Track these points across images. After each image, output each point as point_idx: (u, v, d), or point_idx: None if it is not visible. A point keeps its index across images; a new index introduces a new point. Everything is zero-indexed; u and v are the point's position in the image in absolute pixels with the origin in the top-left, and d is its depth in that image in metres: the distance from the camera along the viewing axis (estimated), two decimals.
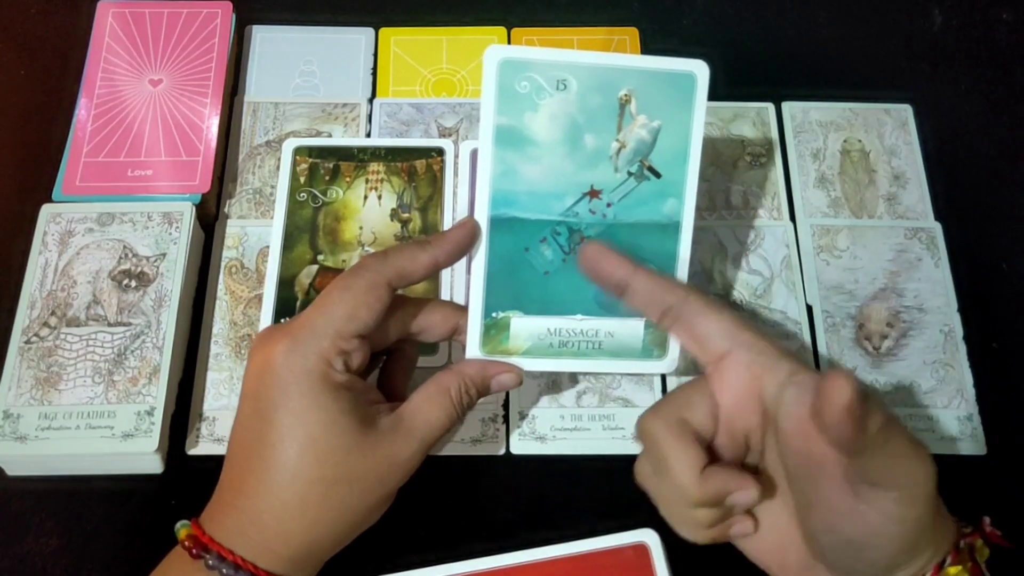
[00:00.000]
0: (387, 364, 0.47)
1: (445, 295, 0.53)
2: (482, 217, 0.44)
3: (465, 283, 0.53)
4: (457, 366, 0.44)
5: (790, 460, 0.39)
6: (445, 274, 0.54)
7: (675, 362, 0.46)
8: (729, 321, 0.40)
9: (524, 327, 0.45)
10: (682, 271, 0.45)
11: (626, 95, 0.43)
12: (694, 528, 0.41)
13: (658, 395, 0.52)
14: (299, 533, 0.39)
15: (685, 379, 0.52)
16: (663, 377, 0.53)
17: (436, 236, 0.43)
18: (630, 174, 0.44)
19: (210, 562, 0.38)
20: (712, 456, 0.40)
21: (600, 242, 0.43)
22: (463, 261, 0.44)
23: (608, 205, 0.44)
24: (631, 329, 0.46)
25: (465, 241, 0.44)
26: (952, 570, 0.37)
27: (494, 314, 0.45)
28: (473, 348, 0.45)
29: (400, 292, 0.43)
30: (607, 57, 0.43)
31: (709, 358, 0.41)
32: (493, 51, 0.43)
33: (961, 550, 0.37)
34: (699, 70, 0.44)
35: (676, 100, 0.44)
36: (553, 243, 0.45)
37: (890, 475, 0.35)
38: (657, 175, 0.44)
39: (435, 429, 0.42)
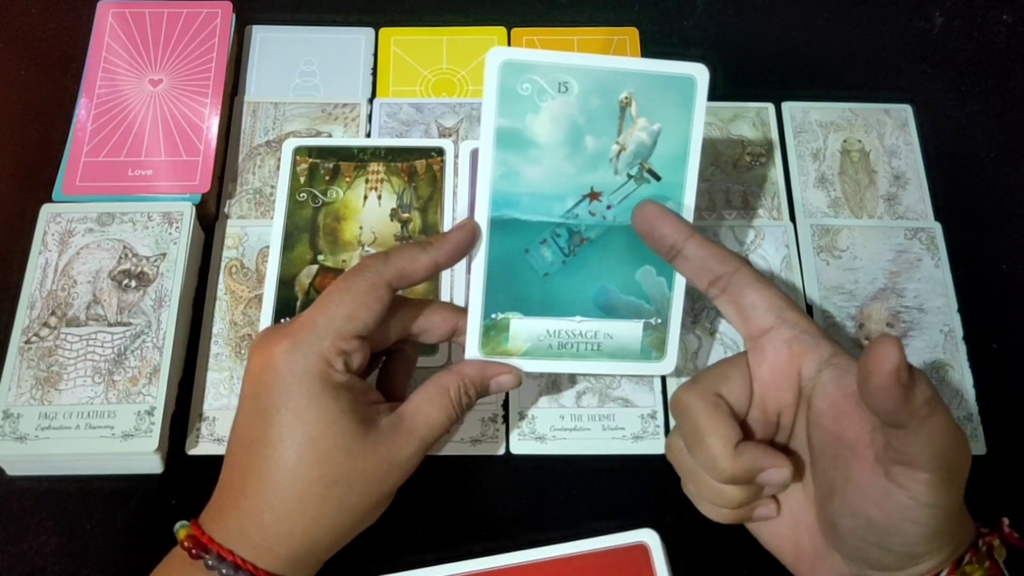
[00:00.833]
0: (387, 364, 0.47)
1: (444, 296, 0.53)
2: (482, 218, 0.44)
3: (465, 284, 0.53)
4: (456, 367, 0.44)
5: (820, 441, 0.39)
6: (445, 275, 0.54)
7: (673, 364, 0.46)
8: (777, 297, 0.41)
9: (523, 328, 0.45)
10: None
11: (626, 98, 0.43)
12: (719, 506, 0.41)
13: (658, 396, 0.52)
14: (299, 532, 0.39)
15: (685, 380, 0.52)
16: (663, 378, 0.53)
17: (436, 237, 0.43)
18: (630, 176, 0.44)
19: (210, 562, 0.38)
20: (745, 434, 0.40)
21: (658, 203, 0.43)
22: (463, 262, 0.45)
23: (608, 207, 0.44)
24: (630, 331, 0.46)
25: (465, 242, 0.44)
26: (970, 568, 0.37)
27: (493, 315, 0.45)
28: (472, 349, 0.45)
29: (400, 293, 0.43)
30: (608, 60, 0.43)
31: (752, 331, 0.41)
32: (495, 53, 0.43)
33: (980, 549, 0.37)
34: (699, 73, 0.44)
35: (676, 103, 0.44)
36: (553, 245, 0.45)
37: (928, 454, 0.34)
38: (657, 178, 0.44)
39: (434, 429, 0.42)
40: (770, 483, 0.39)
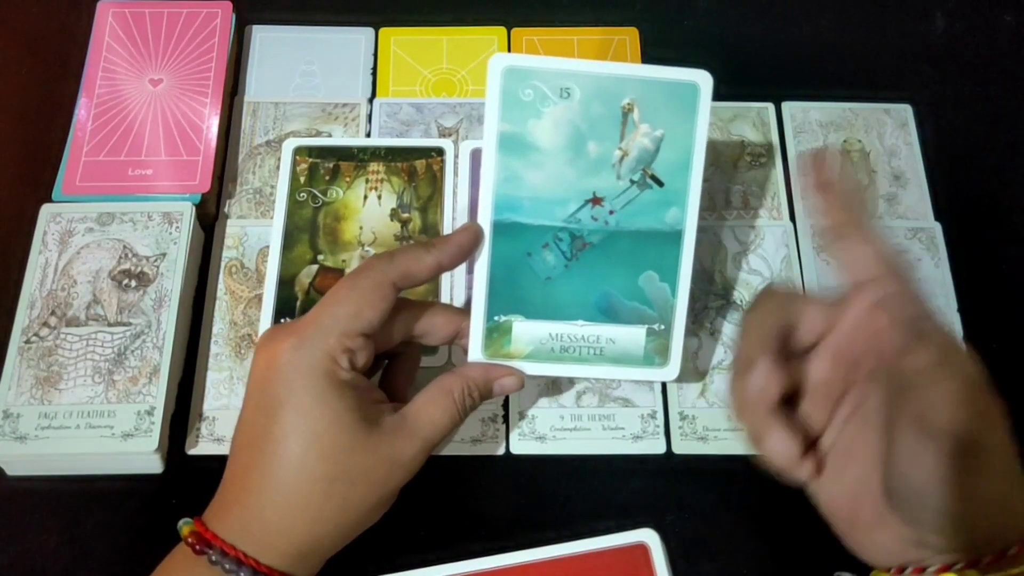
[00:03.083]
0: (390, 366, 0.47)
1: (444, 298, 0.53)
2: (485, 221, 0.44)
3: (465, 286, 0.53)
4: (460, 368, 0.45)
5: (884, 397, 0.39)
6: (445, 277, 0.54)
7: (677, 370, 0.46)
8: (885, 252, 0.41)
9: (526, 331, 0.45)
10: (684, 279, 0.45)
11: (629, 104, 0.43)
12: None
13: (658, 396, 0.52)
14: (302, 529, 0.40)
15: (686, 384, 0.52)
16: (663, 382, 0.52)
17: (440, 239, 0.44)
18: (633, 182, 0.44)
19: (213, 558, 0.39)
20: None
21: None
22: (463, 265, 0.45)
23: (610, 212, 0.44)
24: (632, 336, 0.46)
25: (468, 244, 0.44)
26: (1015, 553, 0.37)
27: (496, 318, 0.45)
28: (475, 351, 0.45)
29: (402, 295, 0.43)
30: (611, 66, 0.43)
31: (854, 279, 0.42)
32: (497, 59, 0.43)
33: None
34: (702, 80, 0.44)
35: (679, 109, 0.44)
36: (555, 249, 0.45)
37: (938, 416, 0.36)
38: (660, 183, 0.44)
39: (438, 430, 0.42)
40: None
